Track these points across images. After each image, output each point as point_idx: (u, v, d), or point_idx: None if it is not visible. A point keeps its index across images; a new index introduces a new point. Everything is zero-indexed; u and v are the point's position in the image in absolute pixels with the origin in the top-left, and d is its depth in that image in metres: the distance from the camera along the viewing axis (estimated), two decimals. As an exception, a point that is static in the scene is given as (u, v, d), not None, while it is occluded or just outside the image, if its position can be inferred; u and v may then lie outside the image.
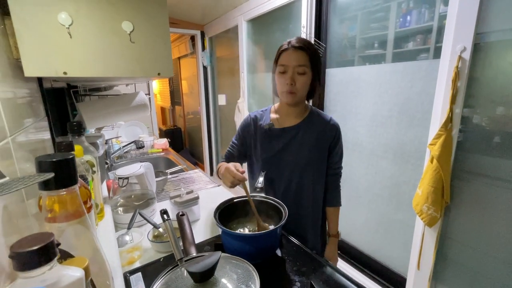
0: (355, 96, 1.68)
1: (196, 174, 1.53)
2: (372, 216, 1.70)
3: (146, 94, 1.52)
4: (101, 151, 1.00)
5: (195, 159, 4.38)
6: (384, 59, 1.53)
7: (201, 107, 3.63)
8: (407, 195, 1.48)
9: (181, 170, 1.64)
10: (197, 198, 0.99)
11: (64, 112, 1.15)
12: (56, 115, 1.12)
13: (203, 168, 4.09)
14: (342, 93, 1.77)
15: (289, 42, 0.90)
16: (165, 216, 0.59)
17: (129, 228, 0.82)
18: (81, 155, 0.69)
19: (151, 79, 0.99)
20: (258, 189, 0.88)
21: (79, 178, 0.46)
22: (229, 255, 0.55)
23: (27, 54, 0.52)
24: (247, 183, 0.89)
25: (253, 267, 0.51)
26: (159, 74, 0.67)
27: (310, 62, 0.89)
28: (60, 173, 0.35)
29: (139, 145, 1.65)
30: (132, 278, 0.69)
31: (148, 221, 0.86)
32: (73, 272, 0.29)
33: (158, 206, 1.11)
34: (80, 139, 0.73)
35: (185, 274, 0.51)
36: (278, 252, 0.77)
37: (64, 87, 1.19)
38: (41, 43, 0.53)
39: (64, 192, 0.38)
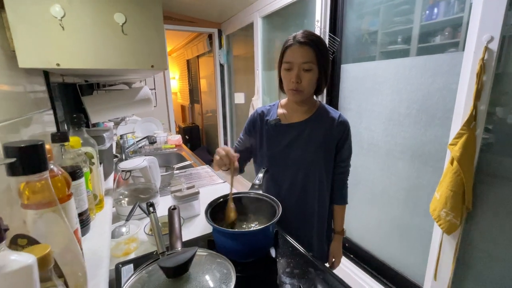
0: (371, 93, 1.59)
1: (203, 170, 1.54)
2: (386, 219, 1.60)
3: (151, 89, 1.55)
4: (107, 144, 1.02)
5: (212, 157, 4.44)
6: (408, 55, 1.42)
7: (218, 105, 3.66)
8: (425, 199, 1.37)
9: (190, 166, 1.66)
10: (197, 193, 0.99)
11: (80, 106, 1.20)
12: (70, 109, 1.17)
13: (219, 166, 4.13)
14: (357, 90, 1.69)
15: (295, 37, 0.87)
16: (151, 208, 0.59)
17: (127, 220, 0.83)
18: (78, 146, 0.71)
19: (154, 73, 0.99)
20: (256, 186, 0.86)
21: (56, 166, 0.46)
22: (211, 252, 0.53)
23: (21, 46, 0.54)
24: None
25: (233, 266, 0.49)
26: (152, 66, 0.67)
27: (316, 58, 0.85)
28: (26, 158, 0.35)
29: (151, 141, 1.69)
30: (124, 269, 0.69)
31: (146, 213, 0.87)
32: (23, 258, 0.29)
33: (162, 200, 1.13)
34: (79, 131, 0.75)
35: (164, 268, 0.50)
36: (273, 252, 0.74)
37: (79, 82, 1.24)
38: (34, 35, 0.55)
39: (36, 178, 0.38)
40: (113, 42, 0.62)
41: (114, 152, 1.56)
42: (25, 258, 0.29)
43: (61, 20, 0.56)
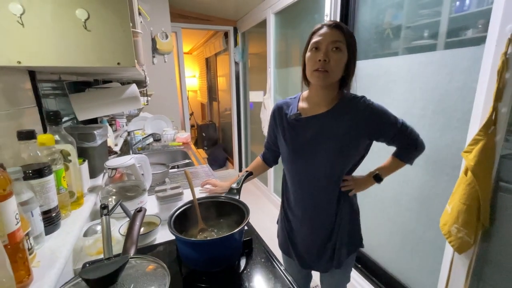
0: (383, 92, 1.46)
1: (202, 169, 1.52)
2: (397, 231, 1.47)
3: (144, 86, 1.56)
4: (99, 141, 1.03)
5: (228, 155, 4.45)
6: (434, 50, 1.26)
7: (232, 103, 3.65)
8: (439, 210, 1.22)
9: (190, 164, 1.65)
10: (181, 194, 0.97)
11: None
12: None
13: (233, 164, 4.14)
14: (369, 89, 1.56)
15: (323, 23, 0.82)
16: (104, 211, 0.57)
17: (105, 218, 0.82)
18: (52, 144, 0.71)
19: (130, 70, 0.98)
20: (234, 190, 0.81)
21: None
22: (151, 259, 0.50)
23: (-20, 43, 0.55)
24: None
25: (169, 276, 0.45)
26: (118, 63, 0.65)
27: (346, 40, 0.79)
28: None
29: (156, 138, 1.72)
30: (90, 269, 0.68)
31: (126, 213, 0.86)
32: None
33: (151, 199, 1.12)
34: (56, 128, 0.76)
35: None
36: (242, 262, 0.69)
37: (82, 80, 1.27)
38: (-8, 33, 0.55)
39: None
40: (75, 39, 0.60)
41: (118, 149, 1.60)
42: None
43: (20, 17, 0.56)
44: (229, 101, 3.89)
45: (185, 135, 2.23)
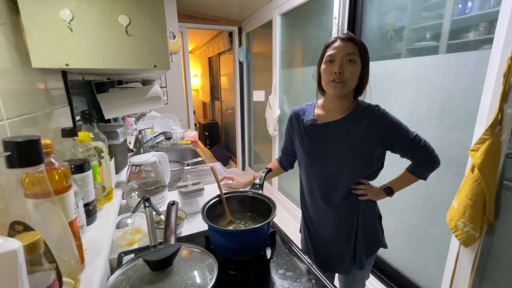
0: (389, 93, 1.52)
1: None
2: (403, 227, 1.53)
3: (163, 87, 1.60)
4: (121, 139, 1.08)
5: (230, 153, 4.49)
6: (437, 53, 1.31)
7: (236, 102, 3.69)
8: (444, 207, 1.29)
9: (202, 162, 1.70)
10: (202, 189, 1.01)
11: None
12: (94, 105, 1.24)
13: (236, 162, 4.18)
14: (374, 90, 1.61)
15: (337, 37, 0.86)
16: (146, 203, 0.61)
17: (133, 212, 0.87)
18: (88, 141, 0.76)
19: (160, 72, 1.02)
20: (257, 186, 0.86)
21: (56, 160, 0.50)
22: (198, 247, 0.55)
23: (34, 47, 0.59)
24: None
25: (216, 263, 0.50)
26: (155, 66, 0.69)
27: (360, 52, 0.83)
28: (22, 153, 0.38)
29: (167, 136, 1.76)
30: (125, 258, 0.73)
31: (152, 208, 0.90)
32: (9, 243, 0.32)
33: (170, 194, 1.17)
34: (90, 127, 0.80)
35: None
36: (268, 252, 0.74)
37: (100, 80, 1.31)
38: (46, 38, 0.59)
39: (31, 171, 0.41)
40: (117, 43, 0.65)
41: (131, 147, 1.64)
42: (11, 244, 0.32)
43: (69, 23, 0.60)
44: (231, 100, 3.93)
45: (193, 134, 2.27)
